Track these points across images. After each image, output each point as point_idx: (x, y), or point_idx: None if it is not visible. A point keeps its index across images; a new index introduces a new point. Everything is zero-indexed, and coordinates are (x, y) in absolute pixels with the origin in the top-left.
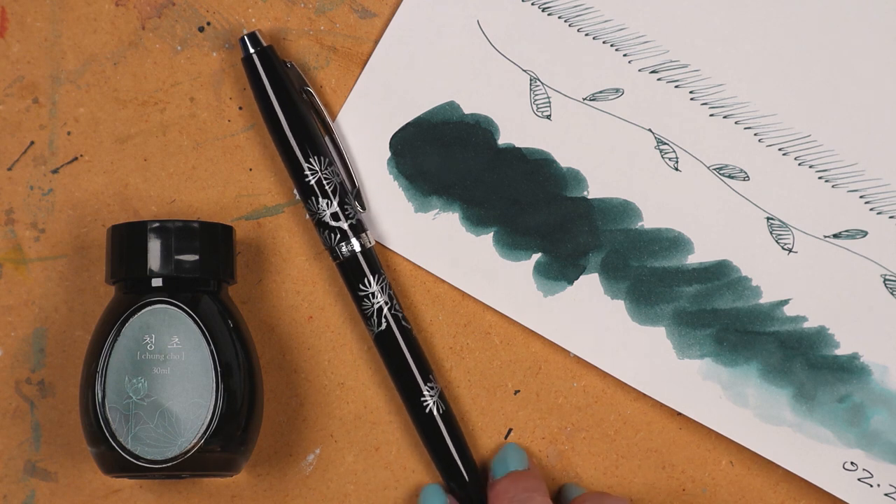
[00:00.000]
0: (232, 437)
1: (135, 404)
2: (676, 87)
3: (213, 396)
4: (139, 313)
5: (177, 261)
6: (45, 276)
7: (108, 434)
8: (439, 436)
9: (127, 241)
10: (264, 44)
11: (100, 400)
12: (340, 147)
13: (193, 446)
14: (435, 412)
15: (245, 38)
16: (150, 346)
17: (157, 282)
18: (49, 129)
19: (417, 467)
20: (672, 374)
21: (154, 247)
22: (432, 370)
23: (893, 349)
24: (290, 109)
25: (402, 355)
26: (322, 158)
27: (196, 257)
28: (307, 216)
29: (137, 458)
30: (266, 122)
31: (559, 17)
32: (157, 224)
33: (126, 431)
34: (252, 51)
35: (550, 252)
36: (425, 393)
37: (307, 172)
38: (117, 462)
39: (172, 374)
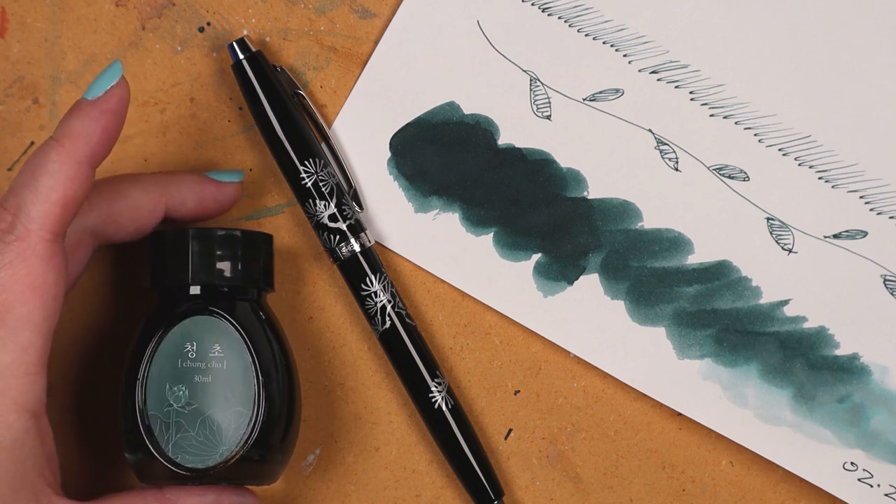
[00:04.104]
0: (272, 445)
1: (175, 412)
2: (676, 87)
3: (255, 405)
4: (181, 322)
5: (218, 269)
6: None
7: (148, 442)
8: (449, 431)
9: (169, 248)
10: (253, 49)
11: (140, 407)
12: (335, 148)
13: (234, 455)
14: (444, 407)
15: (234, 44)
16: (192, 355)
17: (198, 290)
18: (49, 129)
19: (417, 467)
20: (672, 375)
21: (196, 255)
22: (438, 366)
23: (893, 349)
24: (283, 114)
25: (407, 353)
26: (317, 160)
27: (238, 265)
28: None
29: (178, 465)
30: (259, 127)
31: (559, 18)
32: (198, 232)
33: (167, 440)
34: (241, 57)
35: (550, 252)
36: (433, 389)
37: (303, 175)
38: (157, 470)
39: (213, 382)
